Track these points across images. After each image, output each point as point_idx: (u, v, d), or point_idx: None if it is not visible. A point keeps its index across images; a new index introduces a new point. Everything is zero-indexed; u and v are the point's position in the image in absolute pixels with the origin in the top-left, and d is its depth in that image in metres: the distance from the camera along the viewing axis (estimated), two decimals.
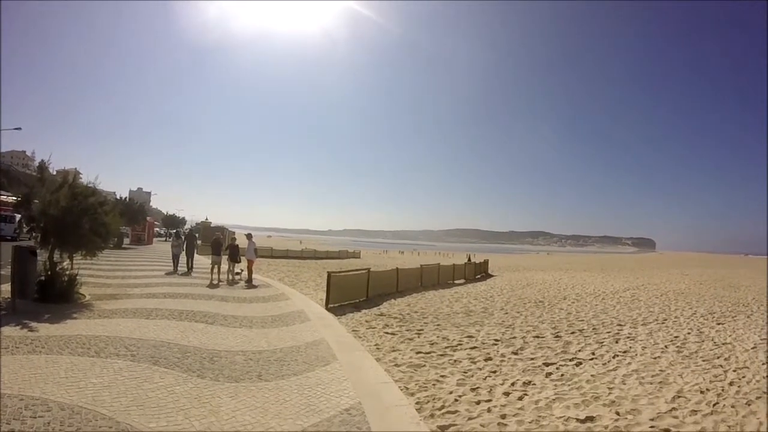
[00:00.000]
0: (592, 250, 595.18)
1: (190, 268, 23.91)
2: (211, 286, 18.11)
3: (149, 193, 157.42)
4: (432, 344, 11.11)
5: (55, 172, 15.66)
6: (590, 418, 6.83)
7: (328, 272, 16.34)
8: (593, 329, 14.21)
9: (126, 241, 44.75)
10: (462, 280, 30.89)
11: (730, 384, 9.13)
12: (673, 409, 7.51)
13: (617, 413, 7.14)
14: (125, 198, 54.14)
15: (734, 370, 10.15)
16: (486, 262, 41.75)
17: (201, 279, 19.85)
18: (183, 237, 27.87)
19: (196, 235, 32.45)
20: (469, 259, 46.69)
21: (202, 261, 29.70)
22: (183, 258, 24.73)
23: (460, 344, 11.29)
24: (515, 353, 10.71)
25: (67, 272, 12.67)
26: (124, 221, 41.30)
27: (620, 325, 15.26)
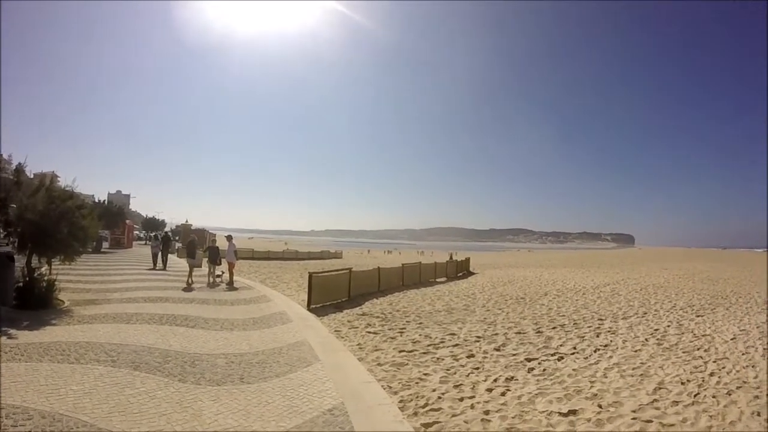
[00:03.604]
0: (572, 246, 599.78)
1: (164, 264, 28.26)
2: (187, 289, 17.98)
3: (128, 196, 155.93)
4: (414, 343, 11.14)
5: (32, 176, 15.48)
6: (573, 412, 6.92)
7: (309, 273, 16.31)
8: (574, 324, 14.34)
9: (105, 245, 44.16)
10: (443, 279, 31.01)
11: (711, 375, 9.29)
12: (655, 400, 7.63)
13: (599, 406, 7.24)
14: (104, 201, 53.63)
15: (714, 361, 10.32)
16: (467, 260, 41.92)
17: (181, 282, 19.69)
18: (160, 239, 30.73)
19: (171, 237, 35.15)
20: (451, 258, 46.81)
21: (182, 263, 29.67)
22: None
23: (443, 342, 11.34)
24: (497, 349, 10.78)
25: (46, 278, 12.48)
26: (103, 225, 40.92)
27: (601, 319, 15.41)
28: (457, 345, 11.08)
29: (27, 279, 12.02)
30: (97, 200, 52.15)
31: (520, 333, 12.76)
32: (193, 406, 5.86)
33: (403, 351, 10.25)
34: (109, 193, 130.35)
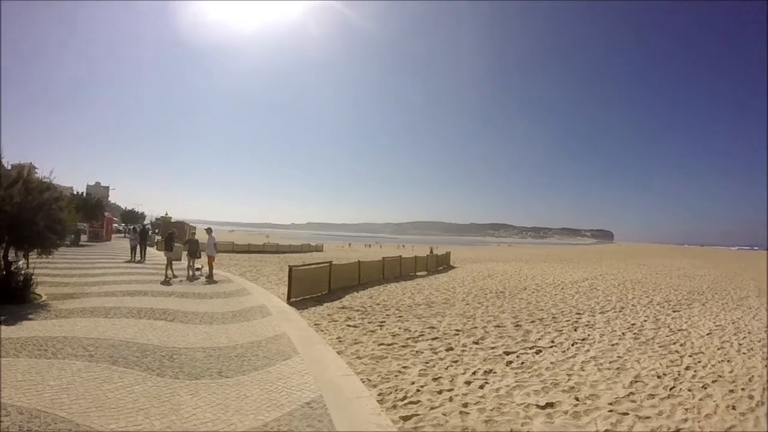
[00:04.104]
0: (552, 242, 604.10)
1: (142, 257, 28.74)
2: (167, 283, 17.85)
3: (107, 188, 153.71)
4: (394, 336, 11.19)
5: (9, 167, 15.26)
6: (550, 404, 7.02)
7: (289, 266, 16.31)
8: (553, 318, 14.48)
9: (84, 238, 43.63)
10: (424, 272, 31.11)
11: (686, 369, 9.46)
12: (631, 393, 7.76)
13: (576, 399, 7.36)
14: (82, 193, 52.91)
15: (690, 356, 10.51)
16: (448, 254, 42.09)
17: (160, 275, 19.57)
18: (138, 232, 30.99)
19: (150, 229, 35.58)
20: (431, 252, 46.98)
21: (161, 256, 29.60)
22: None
23: (422, 335, 11.40)
24: (476, 343, 10.86)
25: (23, 272, 12.34)
26: (81, 217, 40.41)
27: (579, 313, 15.58)
28: (436, 338, 11.15)
29: (3, 273, 11.89)
30: (75, 192, 51.34)
31: (499, 327, 12.86)
32: (172, 400, 5.85)
33: (383, 344, 10.30)
34: (87, 185, 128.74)
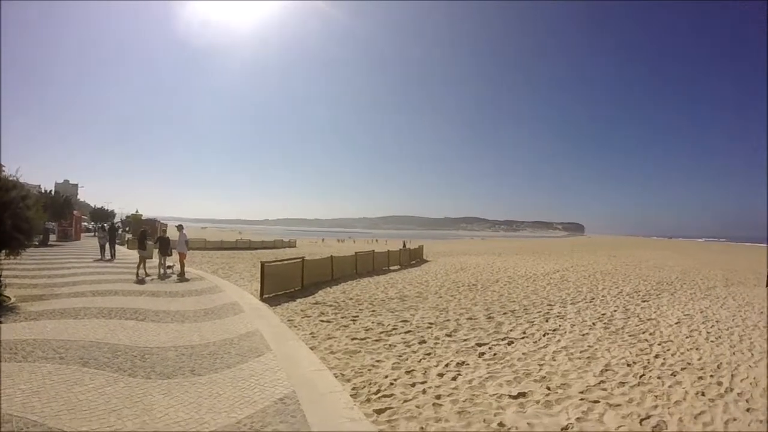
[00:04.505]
0: (524, 235, 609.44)
1: (112, 255, 28.63)
2: (138, 281, 17.64)
3: (76, 186, 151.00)
4: (367, 330, 11.26)
5: None
6: (522, 394, 7.16)
7: (261, 262, 16.23)
8: (524, 309, 14.66)
9: (52, 237, 42.81)
10: (397, 266, 31.23)
11: (656, 357, 9.69)
12: (602, 382, 7.95)
13: (548, 388, 7.51)
14: (50, 191, 51.90)
15: (659, 344, 10.76)
16: (421, 248, 42.25)
17: (130, 274, 19.35)
18: (107, 230, 30.87)
19: (120, 227, 35.28)
20: (404, 246, 47.07)
21: (132, 254, 29.29)
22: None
23: (395, 329, 11.48)
24: (449, 335, 10.98)
25: None
26: (49, 216, 39.67)
27: (550, 304, 15.79)
28: (409, 332, 11.23)
29: None
30: (43, 190, 50.24)
31: (471, 319, 12.98)
32: (144, 400, 5.84)
33: (356, 338, 10.36)
34: (56, 183, 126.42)
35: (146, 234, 21.35)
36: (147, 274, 19.08)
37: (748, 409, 7.02)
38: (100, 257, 27.81)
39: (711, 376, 8.57)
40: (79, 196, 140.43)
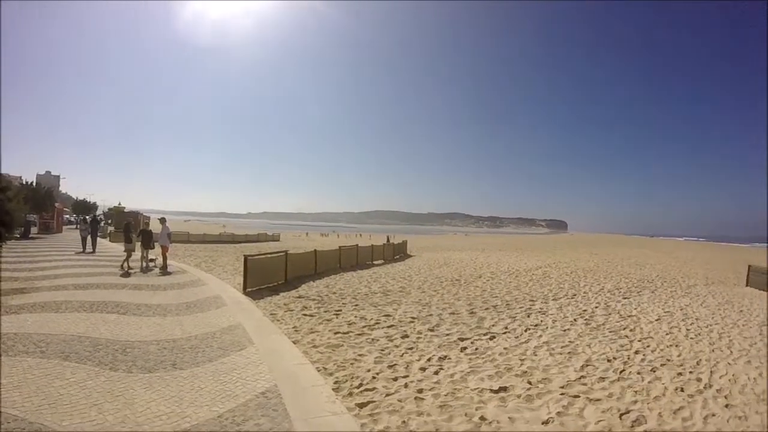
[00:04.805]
0: (507, 231, 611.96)
1: (93, 248, 27.63)
2: (125, 274, 17.47)
3: (58, 177, 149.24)
4: (350, 324, 11.30)
5: None
6: (503, 389, 7.25)
7: (244, 256, 16.17)
8: (506, 305, 14.78)
9: (34, 230, 42.18)
10: (381, 261, 31.33)
11: (636, 353, 9.85)
12: (582, 377, 8.08)
13: (529, 383, 7.61)
14: (31, 183, 51.18)
15: (639, 340, 10.94)
16: (405, 243, 42.31)
17: (113, 267, 19.18)
18: (89, 222, 30.00)
19: (102, 220, 34.84)
20: (388, 240, 47.12)
21: (114, 247, 29.13)
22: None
23: (378, 323, 11.54)
24: (431, 330, 11.05)
25: None
26: (31, 208, 39.15)
27: (532, 300, 15.94)
28: (392, 326, 11.29)
29: None
30: (24, 182, 49.43)
31: (454, 314, 13.06)
32: (125, 394, 5.82)
33: (339, 333, 10.39)
34: (37, 175, 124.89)
35: (131, 227, 21.16)
36: (130, 268, 18.91)
37: (726, 405, 7.18)
38: (81, 250, 27.04)
39: (690, 372, 8.74)
40: (61, 188, 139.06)
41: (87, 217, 42.08)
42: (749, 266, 24.79)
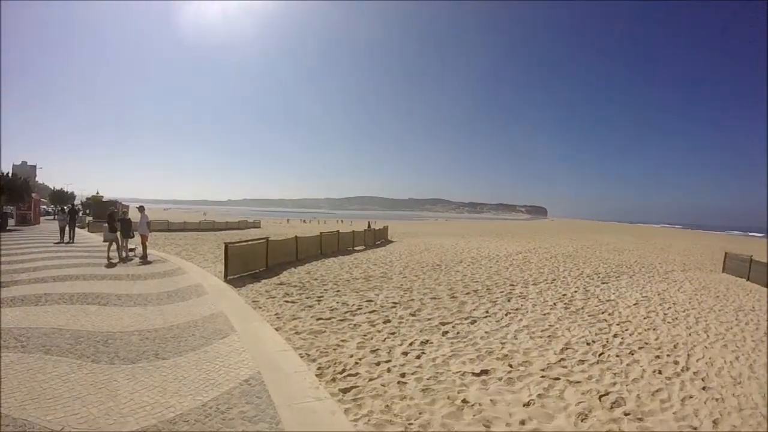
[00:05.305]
0: (488, 217, 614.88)
1: (71, 238, 27.82)
2: (109, 265, 17.31)
3: (35, 167, 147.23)
4: (332, 310, 11.38)
5: None
6: (485, 372, 7.40)
7: (225, 243, 16.12)
8: (487, 290, 14.94)
9: (11, 222, 41.41)
10: (362, 247, 31.40)
11: (614, 336, 10.07)
12: (562, 359, 8.26)
13: (510, 366, 7.76)
14: (7, 173, 50.35)
15: (618, 324, 11.17)
16: (386, 229, 42.40)
17: (92, 258, 18.94)
18: (67, 212, 29.83)
19: (79, 209, 34.70)
20: (369, 226, 47.17)
21: (93, 237, 28.99)
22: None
23: (360, 309, 11.65)
24: (413, 315, 11.18)
25: None
26: (6, 200, 38.59)
27: (512, 285, 16.14)
28: (374, 311, 11.40)
29: None
30: None
31: (435, 298, 13.19)
32: (108, 386, 5.80)
33: (321, 319, 10.46)
34: (13, 165, 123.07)
35: (115, 216, 20.92)
36: (110, 258, 18.73)
37: (704, 388, 7.38)
38: (59, 240, 27.08)
39: (668, 355, 8.96)
40: (37, 178, 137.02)
41: (65, 207, 41.61)
42: (726, 253, 25.24)
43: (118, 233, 20.27)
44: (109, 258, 18.59)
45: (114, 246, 19.29)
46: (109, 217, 20.39)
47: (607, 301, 14.14)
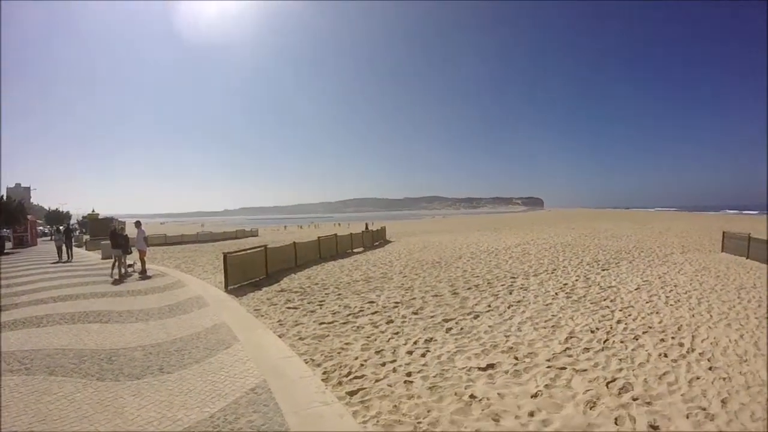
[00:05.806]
0: (485, 211, 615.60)
1: (69, 257, 28.13)
2: (115, 282, 17.23)
3: (29, 189, 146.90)
4: (334, 314, 11.37)
5: None
6: (491, 366, 7.39)
7: (224, 253, 16.10)
8: (488, 283, 14.95)
9: (8, 245, 41.26)
10: (361, 249, 31.39)
11: (618, 322, 10.08)
12: (567, 348, 8.27)
13: (515, 358, 7.77)
14: (2, 196, 50.21)
15: (620, 310, 11.19)
16: (383, 229, 42.41)
17: (91, 276, 18.94)
18: (63, 231, 30.83)
19: (75, 228, 35.50)
20: (367, 228, 47.18)
21: (90, 255, 29.00)
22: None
23: (362, 310, 11.64)
24: (415, 313, 11.17)
25: None
26: (2, 223, 38.49)
27: (513, 277, 16.14)
28: (376, 312, 11.39)
29: None
30: None
31: (436, 296, 13.19)
32: (114, 403, 5.78)
33: (324, 323, 10.45)
34: (7, 188, 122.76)
35: (117, 232, 20.87)
36: (112, 275, 18.70)
37: (710, 368, 7.38)
38: (58, 260, 27.54)
39: (672, 338, 8.96)
40: (32, 200, 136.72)
41: (60, 227, 41.52)
42: (724, 232, 25.25)
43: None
44: (112, 275, 18.55)
45: (117, 262, 19.27)
46: (111, 234, 20.36)
47: (609, 287, 14.14)
